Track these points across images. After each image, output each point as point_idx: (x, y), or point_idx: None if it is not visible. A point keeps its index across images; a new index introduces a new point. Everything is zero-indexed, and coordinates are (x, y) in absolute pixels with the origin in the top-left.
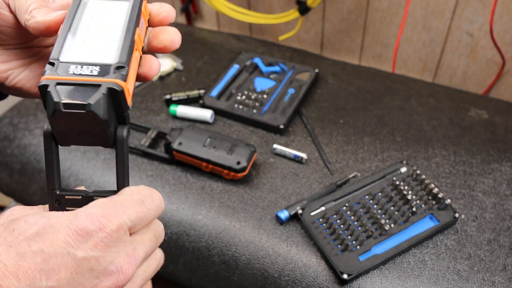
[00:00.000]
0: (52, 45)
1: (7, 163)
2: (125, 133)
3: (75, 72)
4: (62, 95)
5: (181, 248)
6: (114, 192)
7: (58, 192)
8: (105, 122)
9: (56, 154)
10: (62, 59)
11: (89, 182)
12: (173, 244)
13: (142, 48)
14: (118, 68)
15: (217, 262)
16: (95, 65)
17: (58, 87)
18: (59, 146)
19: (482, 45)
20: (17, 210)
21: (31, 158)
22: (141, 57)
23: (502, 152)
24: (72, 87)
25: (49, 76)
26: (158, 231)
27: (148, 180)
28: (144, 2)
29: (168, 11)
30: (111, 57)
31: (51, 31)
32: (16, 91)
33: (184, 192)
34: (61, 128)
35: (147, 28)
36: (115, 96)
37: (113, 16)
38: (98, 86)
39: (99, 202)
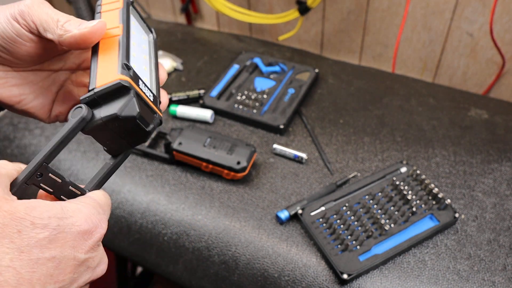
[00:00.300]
0: (61, 69)
1: None
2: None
3: (144, 92)
4: (138, 108)
5: (181, 248)
6: (84, 191)
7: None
8: (136, 123)
9: (71, 139)
10: (132, 66)
11: None
12: (173, 244)
13: None
14: (157, 101)
15: (217, 262)
16: (150, 91)
17: (135, 98)
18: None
19: (482, 45)
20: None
21: (31, 158)
22: None
23: (502, 152)
24: (143, 105)
25: (129, 79)
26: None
27: (148, 180)
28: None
29: (163, 78)
30: (153, 87)
31: (87, 43)
32: (26, 114)
33: (184, 192)
34: (111, 131)
35: None
36: (138, 95)
37: (145, 48)
38: (154, 113)
39: (88, 203)
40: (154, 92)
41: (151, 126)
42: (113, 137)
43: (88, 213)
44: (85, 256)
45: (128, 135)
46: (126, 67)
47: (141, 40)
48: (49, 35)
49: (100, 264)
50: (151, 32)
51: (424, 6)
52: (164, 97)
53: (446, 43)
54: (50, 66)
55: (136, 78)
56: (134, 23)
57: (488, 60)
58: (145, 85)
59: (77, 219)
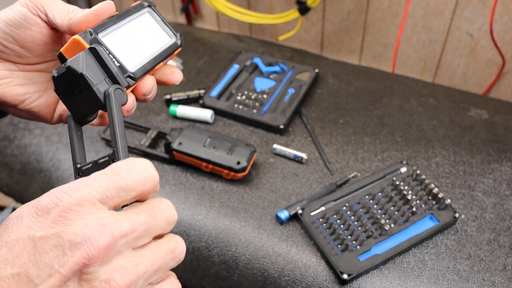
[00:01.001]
0: None
1: (7, 163)
2: (111, 89)
3: (104, 59)
4: (81, 63)
5: None
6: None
7: (78, 166)
8: (81, 76)
9: (76, 132)
10: (100, 37)
11: None
12: None
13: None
14: (123, 74)
15: (217, 262)
16: (120, 64)
17: (85, 56)
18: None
19: (482, 45)
20: None
21: (31, 158)
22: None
23: (502, 152)
24: (96, 66)
25: (82, 40)
26: (158, 208)
27: None
28: (178, 51)
29: (178, 78)
30: (132, 66)
31: (99, 21)
32: (30, 114)
33: (184, 192)
34: (62, 93)
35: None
36: (95, 54)
37: (155, 40)
38: (113, 81)
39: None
40: (131, 70)
41: (98, 86)
42: (70, 94)
43: (56, 189)
44: (44, 232)
45: (79, 93)
46: (89, 33)
47: (149, 35)
48: (58, 21)
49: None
50: (175, 36)
51: (424, 6)
52: (148, 80)
53: (446, 43)
54: (55, 67)
55: (98, 44)
56: (148, 22)
57: (488, 60)
58: (114, 57)
59: (39, 199)
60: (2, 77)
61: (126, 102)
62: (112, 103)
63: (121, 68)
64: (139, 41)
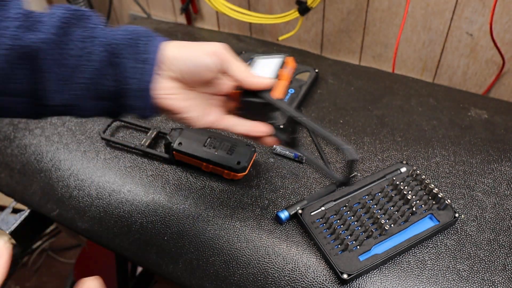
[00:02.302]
0: (215, 94)
1: (7, 163)
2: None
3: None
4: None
5: (181, 248)
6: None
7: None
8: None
9: None
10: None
11: (89, 182)
12: (173, 244)
13: None
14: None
15: (217, 262)
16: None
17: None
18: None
19: (482, 45)
20: None
21: (31, 158)
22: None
23: (502, 152)
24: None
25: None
26: None
27: (148, 180)
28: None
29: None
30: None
31: (263, 88)
32: (181, 120)
33: (184, 192)
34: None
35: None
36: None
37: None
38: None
39: None
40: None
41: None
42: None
43: None
44: None
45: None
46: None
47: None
48: (236, 77)
49: None
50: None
51: (424, 6)
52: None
53: (446, 43)
54: (209, 91)
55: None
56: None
57: (488, 60)
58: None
59: None
60: (172, 92)
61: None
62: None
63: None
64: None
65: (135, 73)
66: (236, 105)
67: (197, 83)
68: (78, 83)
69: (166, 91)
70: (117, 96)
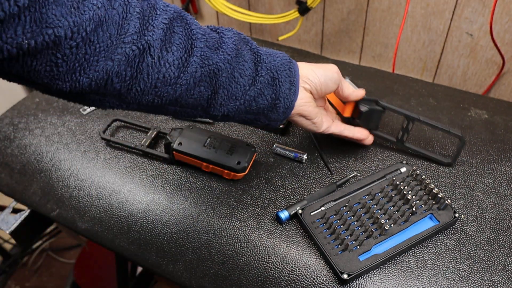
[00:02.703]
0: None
1: (7, 163)
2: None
3: None
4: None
5: (181, 248)
6: None
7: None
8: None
9: None
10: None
11: (89, 182)
12: (173, 244)
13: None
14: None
15: (217, 262)
16: None
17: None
18: None
19: (482, 45)
20: None
21: (31, 158)
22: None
23: (502, 152)
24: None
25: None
26: None
27: (148, 180)
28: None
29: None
30: None
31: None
32: (309, 125)
33: (184, 192)
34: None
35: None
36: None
37: None
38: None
39: None
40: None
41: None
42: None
43: None
44: None
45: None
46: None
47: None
48: (345, 91)
49: None
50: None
51: (424, 6)
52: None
53: (446, 43)
54: (321, 103)
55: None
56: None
57: (488, 60)
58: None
59: None
60: (308, 101)
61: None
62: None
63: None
64: None
65: (288, 94)
66: (349, 114)
67: (322, 94)
68: (244, 99)
69: (304, 100)
70: (266, 109)
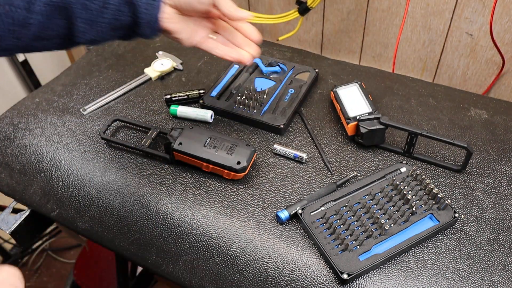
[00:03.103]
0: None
1: (7, 163)
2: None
3: None
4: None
5: (181, 248)
6: None
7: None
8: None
9: None
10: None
11: (89, 182)
12: (173, 244)
13: None
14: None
15: (217, 262)
16: None
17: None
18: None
19: (482, 45)
20: None
21: (31, 158)
22: None
23: (502, 152)
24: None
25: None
26: None
27: (148, 180)
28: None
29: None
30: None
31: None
32: (175, 39)
33: (184, 192)
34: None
35: None
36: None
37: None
38: None
39: None
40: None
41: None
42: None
43: None
44: None
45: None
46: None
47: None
48: (224, 11)
49: None
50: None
51: (424, 6)
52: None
53: (446, 43)
54: (200, 19)
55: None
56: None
57: (488, 60)
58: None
59: None
60: (170, 17)
61: None
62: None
63: None
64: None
65: (147, 9)
66: (353, 133)
67: (192, 12)
68: (102, 22)
69: (166, 16)
70: (132, 27)
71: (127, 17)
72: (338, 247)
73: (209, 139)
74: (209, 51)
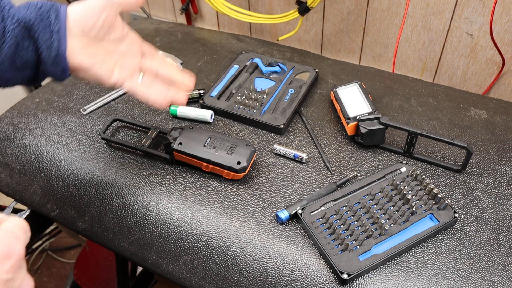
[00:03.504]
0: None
1: (7, 163)
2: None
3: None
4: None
5: (181, 248)
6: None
7: None
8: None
9: None
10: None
11: (89, 182)
12: (173, 244)
13: None
14: None
15: (217, 262)
16: None
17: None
18: None
19: (482, 45)
20: None
21: (31, 158)
22: None
23: (502, 152)
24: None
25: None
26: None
27: (148, 180)
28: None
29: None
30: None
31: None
32: (94, 78)
33: (184, 192)
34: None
35: None
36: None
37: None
38: None
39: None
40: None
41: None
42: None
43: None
44: (6, 276)
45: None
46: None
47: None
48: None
49: (22, 285)
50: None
51: (424, 6)
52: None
53: (446, 43)
54: (116, 35)
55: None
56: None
57: (488, 60)
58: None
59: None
60: (80, 49)
61: None
62: None
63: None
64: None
65: (51, 44)
66: (353, 133)
67: (97, 29)
68: (1, 58)
69: (75, 49)
70: (37, 65)
71: (30, 52)
72: (338, 247)
73: (209, 139)
74: (133, 94)
